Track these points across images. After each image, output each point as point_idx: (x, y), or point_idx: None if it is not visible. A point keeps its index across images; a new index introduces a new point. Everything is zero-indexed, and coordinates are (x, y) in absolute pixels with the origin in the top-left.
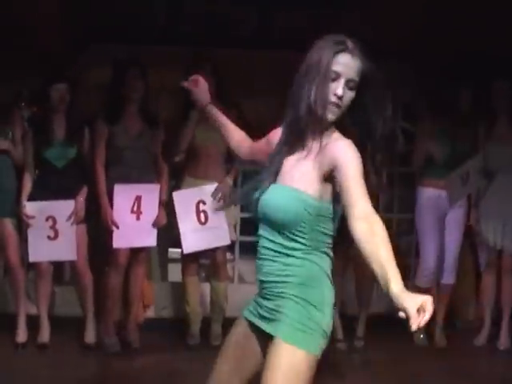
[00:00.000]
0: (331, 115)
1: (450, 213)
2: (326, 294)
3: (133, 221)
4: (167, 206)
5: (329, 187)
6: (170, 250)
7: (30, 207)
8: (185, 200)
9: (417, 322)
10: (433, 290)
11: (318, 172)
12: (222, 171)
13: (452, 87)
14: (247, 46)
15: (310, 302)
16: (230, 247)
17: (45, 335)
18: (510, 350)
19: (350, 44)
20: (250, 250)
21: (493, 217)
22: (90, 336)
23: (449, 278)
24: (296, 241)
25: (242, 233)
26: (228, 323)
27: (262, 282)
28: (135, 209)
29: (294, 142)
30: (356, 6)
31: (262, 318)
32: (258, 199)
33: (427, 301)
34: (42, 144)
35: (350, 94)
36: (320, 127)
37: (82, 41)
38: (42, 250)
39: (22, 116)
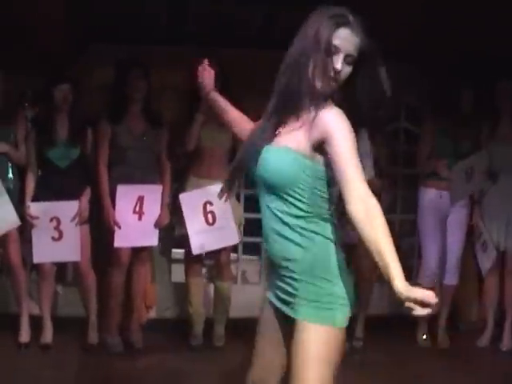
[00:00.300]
0: (328, 89)
1: (451, 213)
2: (333, 262)
3: (135, 221)
4: (171, 206)
5: (320, 156)
6: (173, 250)
7: (34, 208)
8: (192, 202)
9: (421, 311)
10: (435, 290)
11: (309, 141)
12: (225, 171)
13: (453, 88)
14: (252, 45)
15: (320, 276)
16: (234, 248)
17: (48, 336)
18: None
19: (350, 18)
20: (253, 250)
21: (496, 217)
22: (92, 336)
23: (451, 279)
24: (297, 206)
25: (246, 233)
26: (231, 324)
27: (272, 262)
28: (137, 209)
29: (285, 113)
30: (356, 8)
31: (282, 301)
32: (254, 165)
33: (430, 294)
34: (44, 144)
35: (348, 69)
36: (316, 101)
37: (84, 41)
38: (47, 250)
39: (25, 116)
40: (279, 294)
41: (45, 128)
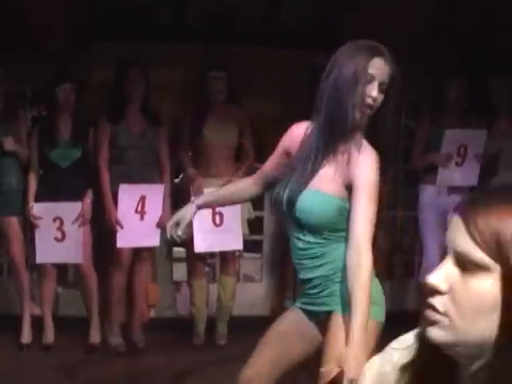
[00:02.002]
0: (365, 118)
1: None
2: None
3: (137, 221)
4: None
5: (347, 191)
6: (175, 249)
7: (37, 208)
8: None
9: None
10: None
11: (343, 183)
12: (232, 168)
13: (451, 84)
14: (252, 43)
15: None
16: None
17: (49, 336)
18: None
19: (382, 49)
20: (255, 248)
21: None
22: (94, 336)
23: None
24: (327, 238)
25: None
26: (233, 323)
27: (304, 281)
28: (139, 209)
29: (328, 145)
30: (363, 3)
31: (314, 305)
32: (289, 200)
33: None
34: (46, 144)
35: (381, 97)
36: (354, 130)
37: (85, 40)
38: (49, 251)
39: (27, 116)
40: (309, 305)
41: (47, 128)
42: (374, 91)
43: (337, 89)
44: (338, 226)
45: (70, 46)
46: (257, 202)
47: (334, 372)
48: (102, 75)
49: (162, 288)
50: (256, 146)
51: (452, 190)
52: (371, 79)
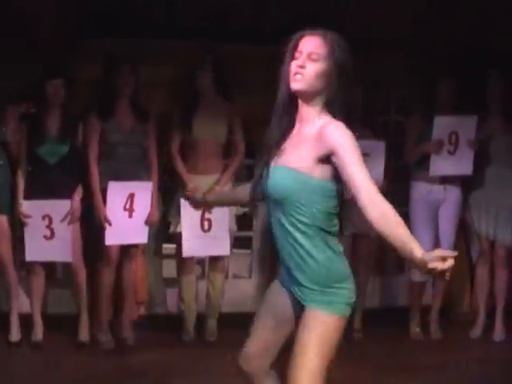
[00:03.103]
0: (296, 84)
1: (443, 206)
2: (341, 270)
3: (125, 218)
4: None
5: (327, 167)
6: (164, 245)
7: (26, 206)
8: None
9: (441, 266)
10: (426, 283)
11: (313, 157)
12: (221, 165)
13: (441, 82)
14: (242, 40)
15: (326, 284)
16: None
17: (38, 334)
18: (505, 341)
19: (312, 29)
20: (244, 244)
21: (485, 208)
22: (83, 333)
23: None
24: (300, 221)
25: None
26: (223, 319)
27: (282, 265)
28: (128, 206)
29: (282, 120)
30: (354, 2)
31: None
32: (264, 181)
33: (446, 252)
34: (34, 140)
35: (313, 65)
36: (304, 100)
37: (75, 35)
38: (39, 249)
39: (16, 112)
40: (291, 285)
41: (35, 124)
42: (299, 60)
43: (280, 72)
44: (305, 204)
45: (59, 42)
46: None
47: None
48: (91, 72)
49: (151, 285)
50: (246, 143)
51: (443, 184)
52: (300, 54)
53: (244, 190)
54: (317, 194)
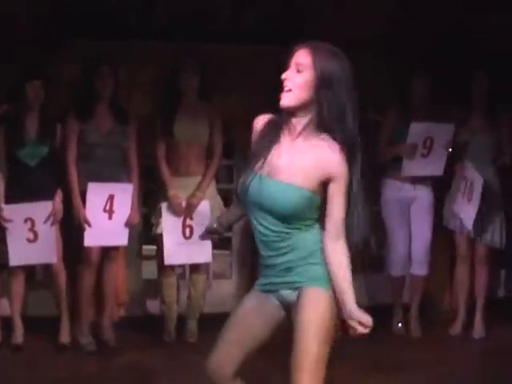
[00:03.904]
0: (284, 101)
1: (415, 202)
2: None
3: (105, 220)
4: (142, 204)
5: (321, 186)
6: (144, 247)
7: (7, 210)
8: (173, 213)
9: (361, 329)
10: (405, 279)
11: (319, 177)
12: (203, 166)
13: (413, 79)
14: (220, 40)
15: (320, 263)
16: None
17: (19, 336)
18: (484, 338)
19: (305, 43)
20: (224, 245)
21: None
22: (64, 336)
23: (420, 270)
24: (293, 226)
25: None
26: (203, 320)
27: (269, 262)
28: (108, 207)
29: (275, 133)
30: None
31: (279, 285)
32: (248, 187)
33: (368, 319)
34: (13, 143)
35: (299, 76)
36: (290, 114)
37: (54, 37)
38: (23, 253)
39: None
40: (273, 284)
41: (14, 126)
42: (285, 73)
43: None
44: (303, 216)
45: (37, 43)
46: (227, 198)
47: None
48: (70, 72)
49: (131, 286)
50: (226, 143)
51: (414, 183)
52: (290, 67)
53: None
54: (314, 208)
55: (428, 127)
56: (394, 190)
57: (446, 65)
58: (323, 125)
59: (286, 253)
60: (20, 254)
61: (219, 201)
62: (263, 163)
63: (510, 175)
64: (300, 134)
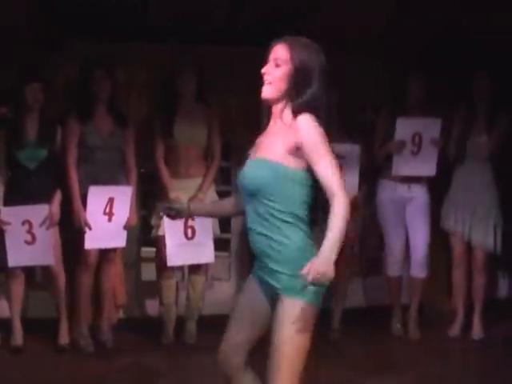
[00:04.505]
0: (264, 92)
1: (410, 203)
2: (307, 257)
3: (105, 222)
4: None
5: (301, 158)
6: (143, 249)
7: (5, 212)
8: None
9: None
10: (402, 278)
11: (286, 145)
12: (202, 169)
13: (409, 79)
14: (217, 41)
15: (296, 268)
16: None
17: (18, 338)
18: (483, 339)
19: (284, 38)
20: (223, 247)
21: (460, 207)
22: (63, 337)
23: (419, 272)
24: (277, 209)
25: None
26: (202, 321)
27: (256, 258)
28: (107, 210)
29: (265, 124)
30: (326, 2)
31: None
32: (240, 175)
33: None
34: (13, 145)
35: (277, 70)
36: (275, 106)
37: (52, 39)
38: (21, 254)
39: None
40: (264, 277)
41: (14, 129)
42: (265, 67)
43: None
44: (278, 192)
45: (37, 45)
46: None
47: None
48: (68, 75)
49: (130, 288)
50: (223, 145)
51: (409, 183)
52: (268, 62)
53: (228, 203)
54: (290, 182)
55: (415, 122)
56: (388, 190)
57: (443, 65)
58: (297, 108)
59: (268, 246)
60: (18, 255)
61: None
62: (254, 152)
63: (507, 176)
64: (279, 118)
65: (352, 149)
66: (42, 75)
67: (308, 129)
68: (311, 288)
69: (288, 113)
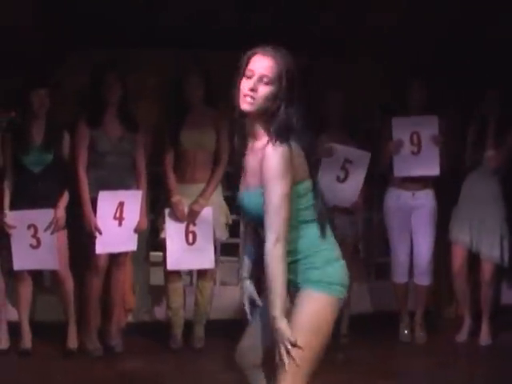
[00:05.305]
0: (246, 106)
1: (414, 212)
2: (325, 254)
3: (115, 226)
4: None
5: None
6: (152, 253)
7: (11, 216)
8: (176, 219)
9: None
10: (408, 284)
11: (259, 173)
12: (209, 173)
13: (411, 84)
14: (226, 46)
15: (315, 267)
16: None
17: (27, 341)
18: (491, 345)
19: (264, 48)
20: (231, 251)
21: (468, 219)
22: (72, 341)
23: (423, 280)
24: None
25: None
26: (210, 326)
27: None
28: (118, 215)
29: (239, 141)
30: (332, 6)
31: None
32: (239, 204)
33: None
34: (19, 150)
35: (265, 88)
36: (255, 120)
37: (62, 45)
38: (26, 258)
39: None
40: None
41: (20, 133)
42: (249, 83)
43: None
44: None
45: (46, 51)
46: (233, 206)
47: None
48: (77, 81)
49: (139, 292)
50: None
51: (413, 191)
52: (251, 74)
53: None
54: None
55: (411, 120)
56: (394, 198)
57: (445, 69)
58: (277, 129)
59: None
60: (23, 259)
61: (225, 208)
62: (243, 176)
63: None
64: (257, 137)
65: (362, 155)
66: (48, 81)
67: (271, 160)
68: (332, 283)
69: (263, 133)
